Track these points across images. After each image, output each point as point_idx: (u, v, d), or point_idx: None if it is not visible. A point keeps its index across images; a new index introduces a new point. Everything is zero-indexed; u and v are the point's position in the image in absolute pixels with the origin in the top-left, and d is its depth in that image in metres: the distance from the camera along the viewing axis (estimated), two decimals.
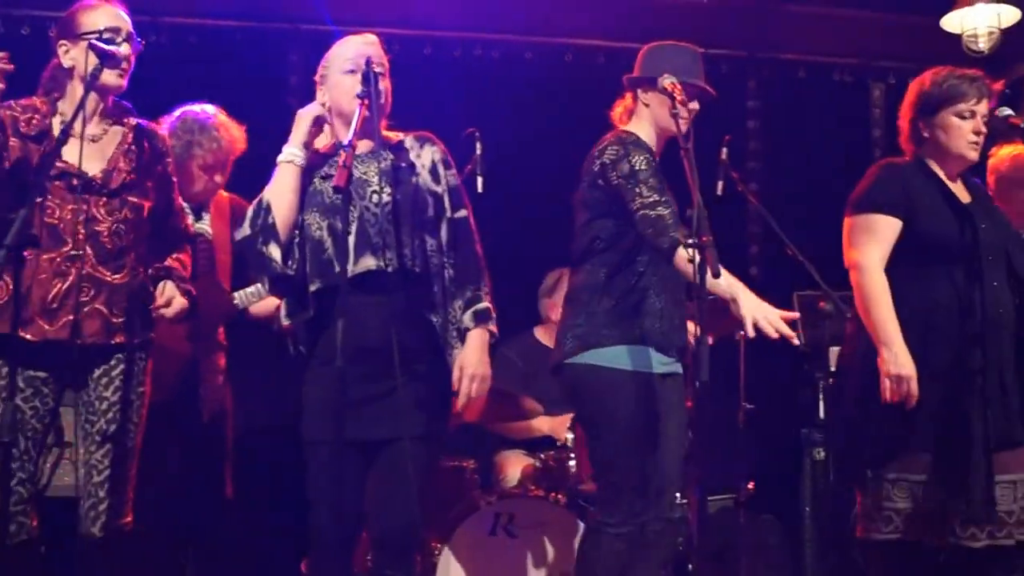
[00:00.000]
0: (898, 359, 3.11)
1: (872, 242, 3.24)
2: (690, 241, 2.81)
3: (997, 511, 3.08)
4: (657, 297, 3.30)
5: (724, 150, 4.36)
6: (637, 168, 3.22)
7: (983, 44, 5.33)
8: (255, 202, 3.04)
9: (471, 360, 3.03)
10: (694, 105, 3.37)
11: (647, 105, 3.41)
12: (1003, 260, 3.19)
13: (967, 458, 3.07)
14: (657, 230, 3.11)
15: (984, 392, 3.10)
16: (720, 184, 4.34)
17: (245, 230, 3.02)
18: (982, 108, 3.22)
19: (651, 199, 3.16)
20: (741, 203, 4.52)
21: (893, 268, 3.23)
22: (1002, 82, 3.28)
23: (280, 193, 3.01)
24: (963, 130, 3.21)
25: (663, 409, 3.29)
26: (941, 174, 3.30)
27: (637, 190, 3.19)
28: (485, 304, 3.09)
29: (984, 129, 3.22)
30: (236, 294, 3.76)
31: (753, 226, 5.99)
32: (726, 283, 2.88)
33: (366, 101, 2.92)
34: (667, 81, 3.19)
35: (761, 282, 5.92)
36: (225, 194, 3.93)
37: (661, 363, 3.31)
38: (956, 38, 5.38)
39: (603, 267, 3.31)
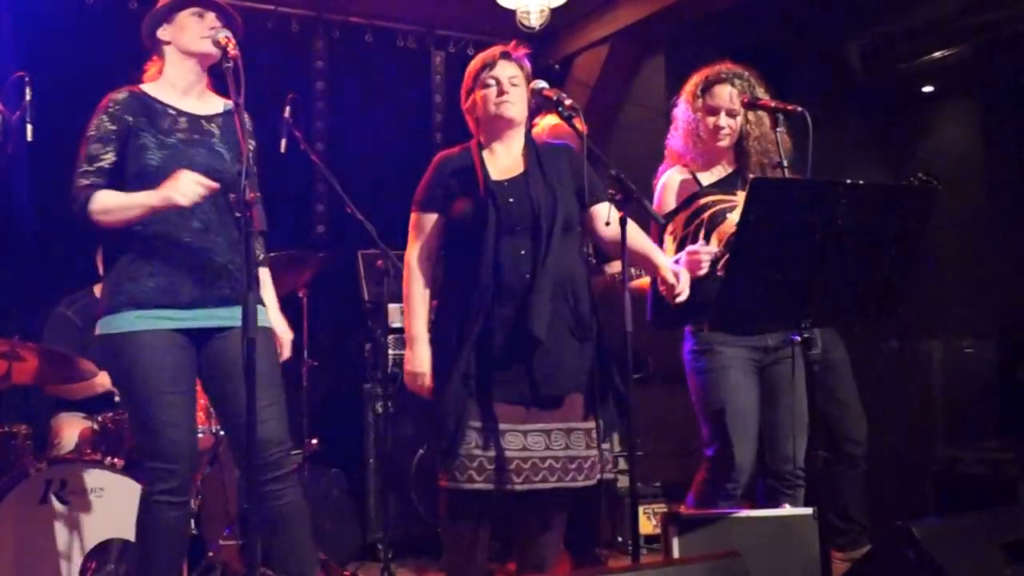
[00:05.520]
0: (414, 359, 3.34)
1: (415, 239, 3.44)
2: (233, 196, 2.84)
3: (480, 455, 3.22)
4: (156, 258, 3.18)
5: (288, 108, 4.39)
6: (88, 133, 3.21)
7: (535, 20, 5.72)
8: None
9: None
10: (212, 20, 3.26)
11: (168, 43, 3.32)
12: (530, 227, 3.29)
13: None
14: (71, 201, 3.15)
15: (485, 355, 3.25)
16: (284, 142, 4.38)
17: None
18: (501, 71, 3.41)
19: (80, 168, 3.18)
20: (308, 162, 4.56)
21: (447, 254, 3.44)
22: (514, 43, 3.51)
23: None
24: (489, 98, 3.43)
25: (203, 369, 3.26)
26: (507, 141, 3.45)
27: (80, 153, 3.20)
28: None
29: (508, 88, 3.41)
30: None
31: (320, 185, 6.05)
32: None
33: None
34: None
35: (327, 240, 6.03)
36: None
37: (173, 319, 3.19)
38: (511, 13, 5.73)
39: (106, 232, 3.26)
